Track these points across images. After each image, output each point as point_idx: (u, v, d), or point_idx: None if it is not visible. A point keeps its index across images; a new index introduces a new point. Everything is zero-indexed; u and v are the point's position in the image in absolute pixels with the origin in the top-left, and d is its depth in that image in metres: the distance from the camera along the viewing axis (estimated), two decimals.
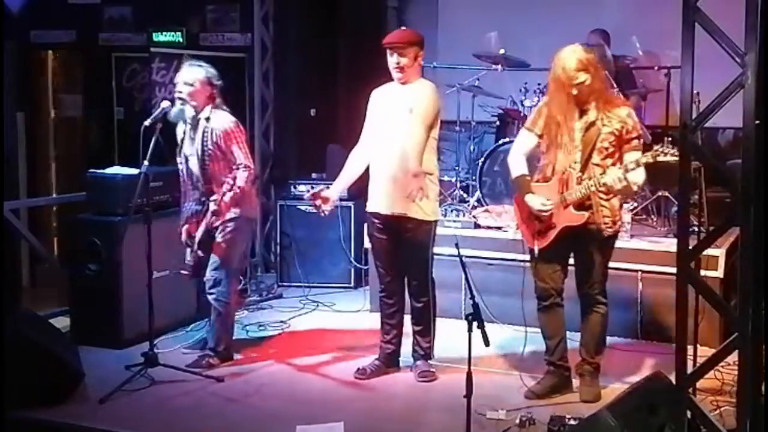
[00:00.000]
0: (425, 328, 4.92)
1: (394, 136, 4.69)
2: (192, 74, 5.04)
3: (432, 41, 7.64)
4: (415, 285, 4.87)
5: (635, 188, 4.33)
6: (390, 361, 4.97)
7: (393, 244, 4.83)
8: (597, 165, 4.28)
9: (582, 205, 4.30)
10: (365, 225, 5.08)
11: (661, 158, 4.11)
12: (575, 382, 4.62)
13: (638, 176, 4.22)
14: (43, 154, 8.81)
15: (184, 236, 5.09)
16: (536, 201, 4.36)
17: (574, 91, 4.24)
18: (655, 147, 4.16)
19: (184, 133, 5.08)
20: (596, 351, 4.54)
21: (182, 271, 5.11)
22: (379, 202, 4.78)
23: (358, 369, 4.90)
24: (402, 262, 4.87)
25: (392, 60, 4.71)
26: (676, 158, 4.07)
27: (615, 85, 6.39)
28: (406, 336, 5.02)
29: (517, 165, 4.51)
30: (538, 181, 4.46)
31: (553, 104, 4.37)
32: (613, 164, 4.27)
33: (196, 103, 5.01)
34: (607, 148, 4.28)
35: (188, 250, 5.08)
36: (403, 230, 4.76)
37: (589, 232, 4.32)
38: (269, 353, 5.36)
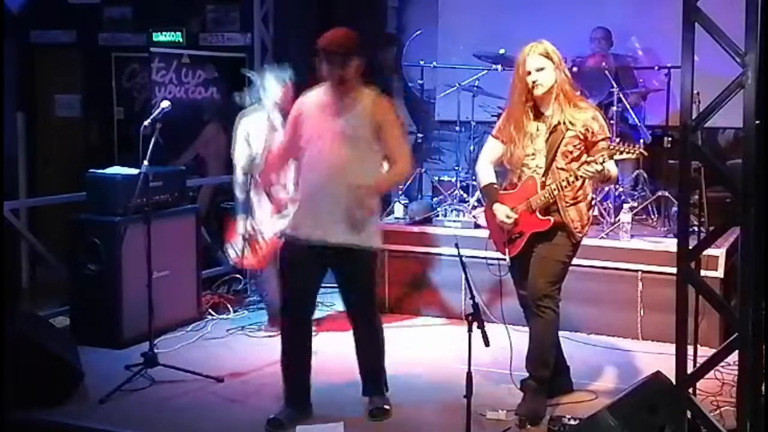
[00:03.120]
0: (377, 363, 4.43)
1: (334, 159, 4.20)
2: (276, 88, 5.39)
3: (432, 41, 7.67)
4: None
5: (612, 175, 4.19)
6: (305, 406, 4.36)
7: (317, 274, 4.31)
8: (562, 169, 4.17)
9: (547, 210, 4.22)
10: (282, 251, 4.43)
11: (617, 156, 4.03)
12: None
13: (611, 167, 4.13)
14: (43, 154, 8.82)
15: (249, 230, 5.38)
16: (502, 212, 4.30)
17: (532, 76, 4.15)
18: (611, 145, 4.11)
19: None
20: (541, 364, 4.31)
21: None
22: (308, 228, 4.19)
23: (272, 419, 4.20)
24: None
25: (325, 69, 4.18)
26: (631, 155, 4.07)
27: (615, 85, 6.41)
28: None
29: (483, 174, 4.45)
30: (506, 189, 4.40)
31: (510, 96, 4.31)
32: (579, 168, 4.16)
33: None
34: (571, 152, 4.18)
35: (247, 242, 5.38)
36: (342, 261, 4.21)
37: (555, 235, 4.23)
38: (269, 353, 5.36)
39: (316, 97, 4.28)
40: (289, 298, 4.31)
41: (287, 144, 4.40)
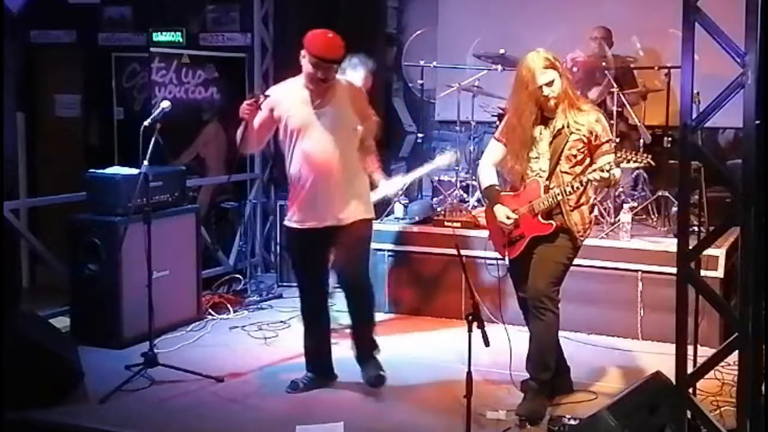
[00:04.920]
0: (368, 325, 4.76)
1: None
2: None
3: (432, 41, 7.66)
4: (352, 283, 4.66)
5: (616, 179, 4.22)
6: (324, 373, 4.80)
7: (325, 254, 4.69)
8: (566, 173, 4.19)
9: (549, 214, 4.23)
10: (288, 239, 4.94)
11: (624, 165, 4.09)
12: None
13: (617, 172, 4.16)
14: (43, 154, 8.81)
15: None
16: (502, 213, 4.31)
17: (545, 92, 4.14)
18: (619, 153, 4.14)
19: None
20: (542, 367, 4.32)
21: None
22: (313, 216, 4.55)
23: (291, 382, 4.74)
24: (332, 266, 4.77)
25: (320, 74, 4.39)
26: (639, 164, 4.10)
27: (615, 85, 6.41)
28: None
29: (486, 176, 4.46)
30: (508, 191, 4.42)
31: (515, 109, 4.28)
32: (583, 172, 4.18)
33: None
34: (575, 156, 4.19)
35: None
36: (339, 235, 4.55)
37: (557, 237, 4.24)
38: (269, 353, 5.36)
39: (295, 90, 4.53)
40: (301, 279, 4.79)
41: (261, 124, 4.56)
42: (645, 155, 4.12)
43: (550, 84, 4.16)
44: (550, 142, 4.22)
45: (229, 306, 6.30)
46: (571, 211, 4.23)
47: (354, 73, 5.50)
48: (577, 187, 4.15)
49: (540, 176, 4.25)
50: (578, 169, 4.18)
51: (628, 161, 4.06)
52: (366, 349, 4.77)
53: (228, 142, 7.82)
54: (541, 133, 4.26)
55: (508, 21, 7.34)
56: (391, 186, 5.26)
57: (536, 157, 4.27)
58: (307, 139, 4.47)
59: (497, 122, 7.02)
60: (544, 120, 4.26)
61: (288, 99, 4.53)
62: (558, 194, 4.17)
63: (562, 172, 4.21)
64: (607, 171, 4.06)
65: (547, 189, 4.21)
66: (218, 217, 7.59)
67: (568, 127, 4.19)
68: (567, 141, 4.19)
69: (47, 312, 5.67)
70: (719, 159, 4.39)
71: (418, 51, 7.31)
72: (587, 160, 4.20)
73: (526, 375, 4.43)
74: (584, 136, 4.19)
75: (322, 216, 4.52)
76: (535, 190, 4.24)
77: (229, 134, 7.77)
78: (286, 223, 4.71)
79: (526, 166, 4.28)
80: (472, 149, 6.95)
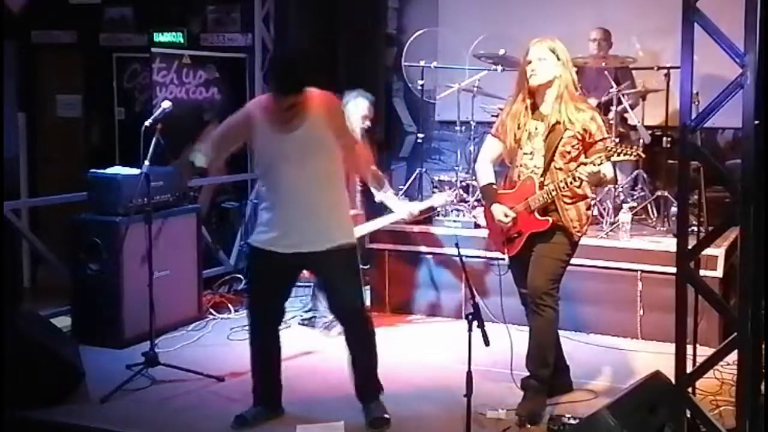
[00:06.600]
0: (370, 367, 4.33)
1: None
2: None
3: (432, 41, 7.67)
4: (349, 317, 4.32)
5: (607, 178, 4.24)
6: (274, 406, 4.42)
7: (289, 283, 4.35)
8: (560, 169, 4.19)
9: (546, 210, 4.24)
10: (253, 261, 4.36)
11: (615, 158, 4.07)
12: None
13: (607, 169, 4.16)
14: (45, 154, 8.83)
15: None
16: (499, 211, 4.32)
17: (531, 66, 4.17)
18: (609, 147, 4.14)
19: None
20: (541, 363, 4.32)
21: None
22: (282, 242, 4.13)
23: (237, 417, 4.29)
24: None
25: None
26: (629, 157, 4.10)
27: (615, 85, 6.42)
28: None
29: (483, 173, 4.46)
30: (504, 188, 4.42)
31: (514, 92, 4.34)
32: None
33: None
34: (569, 152, 4.19)
35: None
36: (321, 264, 4.21)
37: (554, 234, 4.25)
38: None
39: (266, 108, 4.09)
40: (254, 306, 4.36)
41: (223, 136, 4.20)
42: (635, 147, 4.11)
43: (540, 60, 4.19)
44: (545, 138, 4.23)
45: (229, 305, 6.31)
46: (567, 206, 4.23)
47: (355, 107, 5.59)
48: (570, 182, 4.14)
49: (534, 173, 4.25)
50: (572, 165, 4.18)
51: (618, 154, 4.05)
52: (366, 390, 4.33)
53: None
54: (536, 128, 4.26)
55: (508, 21, 7.34)
56: (400, 209, 5.27)
57: (530, 153, 4.27)
58: (276, 166, 4.07)
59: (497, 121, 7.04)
60: (540, 114, 4.27)
61: (258, 113, 4.13)
62: (552, 191, 4.18)
63: (556, 168, 4.21)
64: (597, 165, 4.05)
65: (542, 185, 4.22)
66: (219, 217, 7.60)
67: (562, 123, 4.20)
68: (561, 137, 4.19)
69: (48, 312, 5.67)
70: (718, 159, 4.39)
71: (418, 51, 7.31)
72: (582, 157, 4.20)
73: (527, 374, 4.44)
74: (578, 132, 4.19)
75: (290, 243, 4.09)
76: (530, 186, 4.25)
77: None
78: (250, 240, 4.31)
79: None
80: (472, 149, 6.96)
